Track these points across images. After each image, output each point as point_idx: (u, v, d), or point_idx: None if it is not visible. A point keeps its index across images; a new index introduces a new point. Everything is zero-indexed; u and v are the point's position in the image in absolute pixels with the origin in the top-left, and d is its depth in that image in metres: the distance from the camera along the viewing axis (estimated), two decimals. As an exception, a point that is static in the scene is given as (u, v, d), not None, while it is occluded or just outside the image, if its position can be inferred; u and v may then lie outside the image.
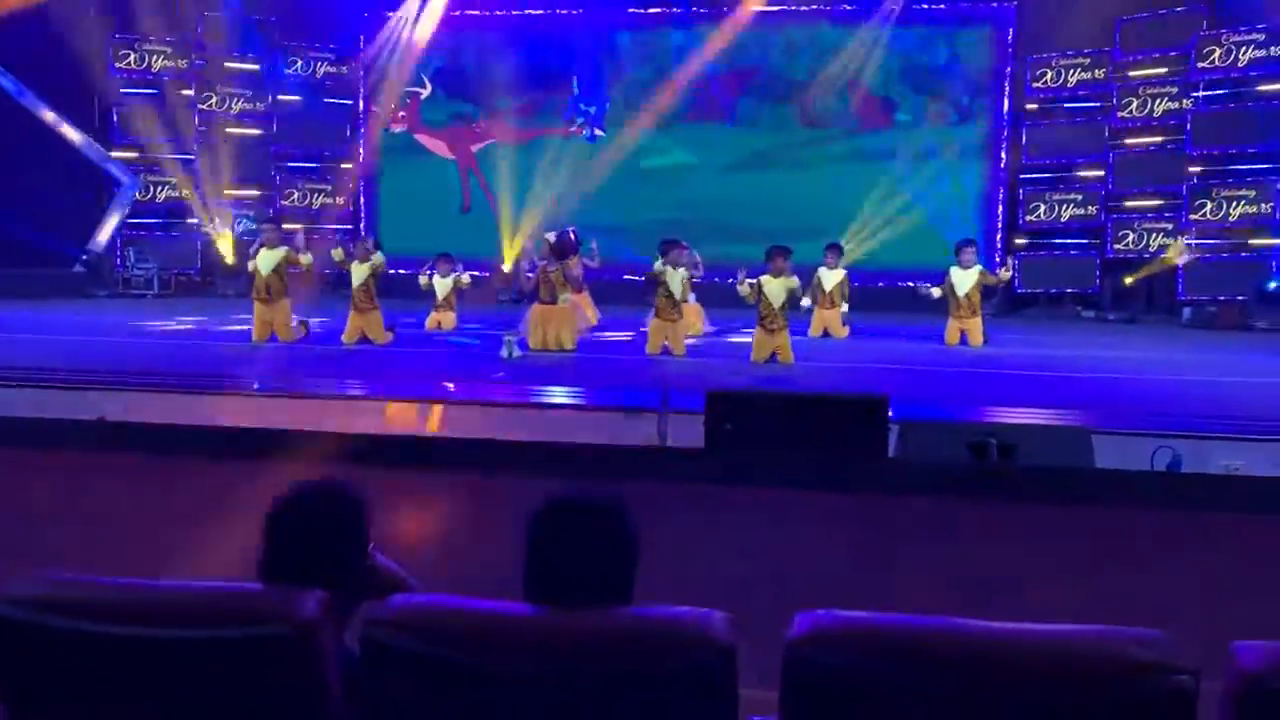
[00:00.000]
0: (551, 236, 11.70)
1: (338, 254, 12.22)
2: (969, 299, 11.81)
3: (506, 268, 16.25)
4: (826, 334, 12.52)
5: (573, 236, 11.76)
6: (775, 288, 10.26)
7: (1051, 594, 3.32)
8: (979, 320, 11.91)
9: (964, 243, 12.37)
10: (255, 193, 17.49)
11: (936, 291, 12.01)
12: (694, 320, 12.07)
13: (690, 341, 11.23)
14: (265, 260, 11.40)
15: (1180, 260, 14.77)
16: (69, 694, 2.00)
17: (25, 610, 1.98)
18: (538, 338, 10.91)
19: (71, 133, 16.50)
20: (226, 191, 17.20)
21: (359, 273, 11.50)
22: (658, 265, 10.94)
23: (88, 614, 1.97)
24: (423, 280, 12.98)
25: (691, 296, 11.66)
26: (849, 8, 16.69)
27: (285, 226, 13.38)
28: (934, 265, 13.05)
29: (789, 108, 16.98)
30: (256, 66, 17.37)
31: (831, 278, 12.64)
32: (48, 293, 15.32)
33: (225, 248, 17.14)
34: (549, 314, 10.98)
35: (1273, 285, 14.28)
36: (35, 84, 15.94)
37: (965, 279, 11.86)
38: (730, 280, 10.94)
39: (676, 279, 10.87)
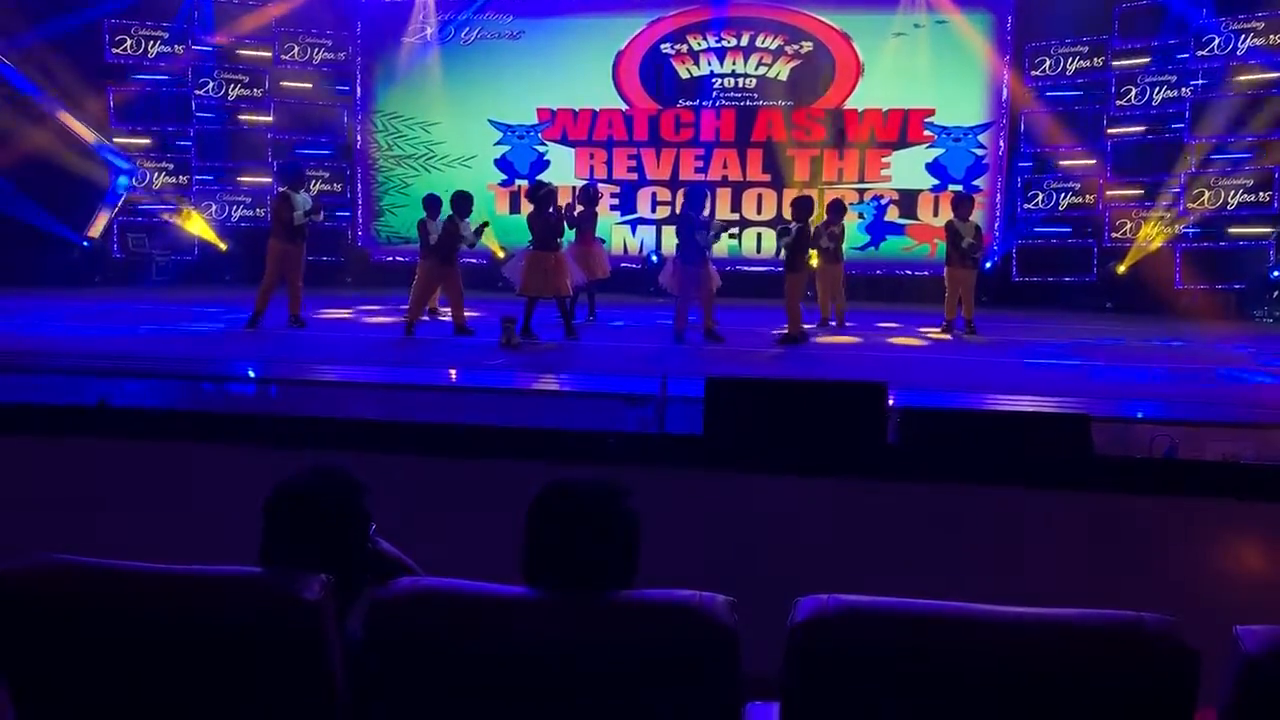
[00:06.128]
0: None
1: None
2: (971, 250, 11.91)
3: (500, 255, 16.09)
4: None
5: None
6: None
7: (1053, 579, 3.33)
8: (974, 275, 12.09)
9: (962, 198, 12.80)
10: (253, 179, 17.42)
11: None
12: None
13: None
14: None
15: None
16: (72, 676, 2.00)
17: (29, 592, 1.98)
18: (534, 284, 10.62)
19: (68, 119, 16.41)
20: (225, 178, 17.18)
21: None
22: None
23: (91, 597, 1.98)
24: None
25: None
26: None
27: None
28: (930, 254, 13.02)
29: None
30: (253, 53, 17.30)
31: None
32: (46, 278, 15.26)
33: (221, 233, 17.11)
34: (544, 260, 10.64)
35: (1273, 274, 14.26)
36: (31, 68, 15.83)
37: (967, 229, 12.02)
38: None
39: None
